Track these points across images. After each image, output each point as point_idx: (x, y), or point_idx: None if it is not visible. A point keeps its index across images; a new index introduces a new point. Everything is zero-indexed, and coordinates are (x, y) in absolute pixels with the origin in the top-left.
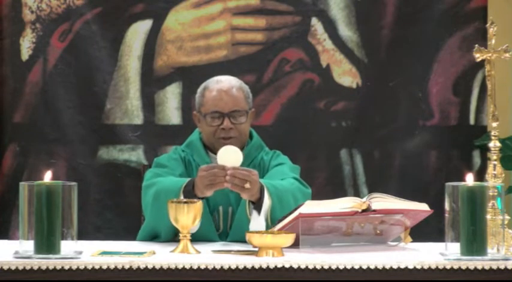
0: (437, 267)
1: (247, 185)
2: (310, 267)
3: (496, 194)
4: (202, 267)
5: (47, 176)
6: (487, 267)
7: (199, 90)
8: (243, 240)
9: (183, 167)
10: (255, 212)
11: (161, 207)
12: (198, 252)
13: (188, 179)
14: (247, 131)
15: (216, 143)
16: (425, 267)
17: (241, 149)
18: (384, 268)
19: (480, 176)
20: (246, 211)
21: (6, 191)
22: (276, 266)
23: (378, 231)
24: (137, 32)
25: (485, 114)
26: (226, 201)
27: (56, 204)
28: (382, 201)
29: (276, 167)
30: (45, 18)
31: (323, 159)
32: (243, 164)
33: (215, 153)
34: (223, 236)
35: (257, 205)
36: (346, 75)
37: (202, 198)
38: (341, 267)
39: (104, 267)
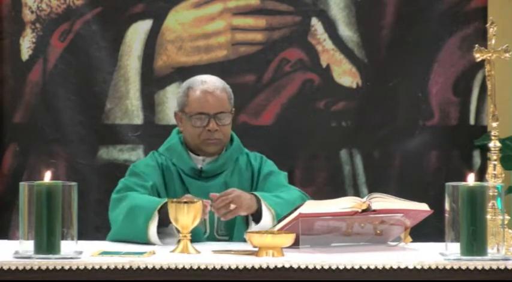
0: (437, 267)
1: (232, 206)
2: (310, 267)
3: (496, 194)
4: (202, 267)
5: (47, 176)
6: (487, 267)
7: (181, 89)
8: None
9: (159, 174)
10: (253, 223)
11: (134, 223)
12: (198, 252)
13: (164, 201)
14: (230, 132)
15: (201, 144)
16: (425, 267)
17: (223, 150)
18: (384, 268)
19: (480, 176)
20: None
21: (6, 191)
22: (276, 266)
23: (378, 231)
24: (137, 32)
25: (485, 114)
26: None
27: (56, 204)
28: (382, 201)
29: (270, 178)
30: (45, 18)
31: (323, 159)
32: (227, 167)
33: (198, 155)
34: (210, 239)
35: (256, 215)
36: (346, 75)
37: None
38: (341, 267)
39: (104, 267)
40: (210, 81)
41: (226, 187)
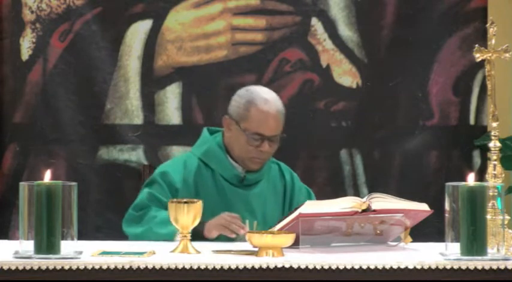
0: (437, 267)
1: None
2: (310, 267)
3: (496, 194)
4: (202, 267)
5: (46, 176)
6: (487, 267)
7: (241, 100)
8: None
9: (191, 186)
10: None
11: (158, 235)
12: (198, 252)
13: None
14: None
15: (248, 160)
16: (425, 267)
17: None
18: (384, 268)
19: (480, 176)
20: None
21: (6, 191)
22: (276, 266)
23: (378, 231)
24: (137, 32)
25: (485, 114)
26: (252, 216)
27: (56, 204)
28: (382, 201)
29: (300, 197)
30: (45, 18)
31: (323, 159)
32: (264, 176)
33: (237, 162)
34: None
35: None
36: (346, 75)
37: (204, 238)
38: (341, 267)
39: (104, 267)
40: (272, 101)
41: (263, 196)
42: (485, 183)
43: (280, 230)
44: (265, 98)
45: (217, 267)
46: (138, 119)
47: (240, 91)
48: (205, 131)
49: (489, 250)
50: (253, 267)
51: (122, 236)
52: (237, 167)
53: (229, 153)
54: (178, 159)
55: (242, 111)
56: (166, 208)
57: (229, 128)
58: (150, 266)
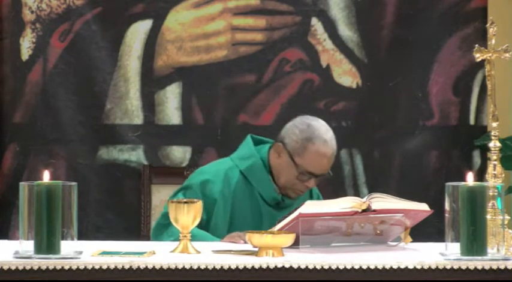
0: (437, 267)
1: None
2: (310, 267)
3: (496, 194)
4: (202, 267)
5: (45, 176)
6: (487, 267)
7: (300, 135)
8: None
9: (228, 203)
10: None
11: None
12: (198, 252)
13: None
14: None
15: (290, 190)
16: (425, 267)
17: None
18: (384, 268)
19: (480, 176)
20: None
21: (6, 191)
22: (276, 266)
23: (378, 231)
24: (137, 32)
25: (485, 114)
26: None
27: (56, 204)
28: (382, 201)
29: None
30: (45, 18)
31: None
32: None
33: (277, 185)
34: None
35: None
36: (346, 75)
37: None
38: (341, 267)
39: (104, 267)
40: (330, 142)
41: None
42: (485, 183)
43: (280, 230)
44: (324, 139)
45: (217, 267)
46: (138, 119)
47: (301, 124)
48: (249, 139)
49: (489, 250)
50: (253, 267)
51: (122, 236)
52: (276, 189)
53: (271, 173)
54: (220, 168)
55: (299, 147)
56: None
57: (279, 155)
58: (150, 266)
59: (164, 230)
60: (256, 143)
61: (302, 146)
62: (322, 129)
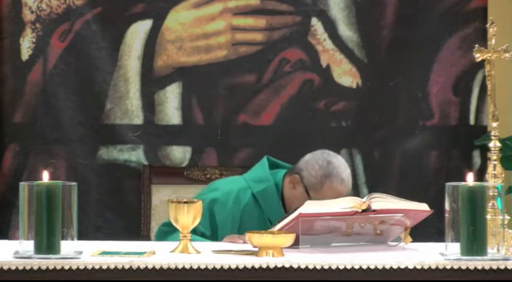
0: (437, 267)
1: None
2: (310, 267)
3: (496, 194)
4: (202, 267)
5: (44, 176)
6: (487, 267)
7: (319, 171)
8: None
9: (236, 224)
10: None
11: None
12: (198, 252)
13: None
14: None
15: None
16: (425, 267)
17: None
18: (384, 268)
19: (480, 176)
20: None
21: (6, 191)
22: (276, 266)
23: (378, 231)
24: (137, 32)
25: (485, 114)
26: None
27: (56, 204)
28: (382, 201)
29: None
30: (45, 18)
31: None
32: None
33: (285, 211)
34: None
35: None
36: (346, 75)
37: None
38: (341, 267)
39: (104, 267)
40: (347, 181)
41: None
42: (485, 183)
43: (280, 230)
44: (342, 177)
45: (217, 267)
46: (138, 119)
47: (321, 160)
48: (265, 161)
49: (489, 250)
50: (253, 267)
51: (122, 236)
52: (283, 212)
53: (283, 199)
54: (233, 188)
55: (316, 183)
56: (197, 233)
57: (294, 186)
58: (150, 266)
59: (166, 234)
60: (272, 165)
61: (320, 183)
62: (342, 168)
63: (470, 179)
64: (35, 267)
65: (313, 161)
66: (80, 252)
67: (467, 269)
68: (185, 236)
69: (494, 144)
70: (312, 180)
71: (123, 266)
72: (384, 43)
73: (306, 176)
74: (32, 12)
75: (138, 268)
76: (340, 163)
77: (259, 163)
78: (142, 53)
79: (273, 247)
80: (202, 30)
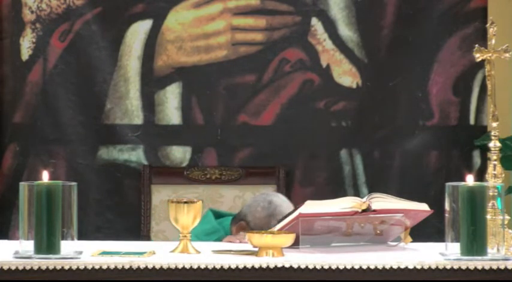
0: (437, 267)
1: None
2: (310, 267)
3: (496, 194)
4: (202, 267)
5: (44, 176)
6: (487, 267)
7: (262, 212)
8: None
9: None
10: None
11: None
12: (198, 252)
13: None
14: None
15: None
16: (425, 267)
17: None
18: (384, 268)
19: (480, 176)
20: None
21: (6, 191)
22: (276, 266)
23: (378, 231)
24: (137, 32)
25: (485, 114)
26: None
27: (56, 204)
28: (382, 201)
29: None
30: (45, 18)
31: (323, 159)
32: None
33: None
34: None
35: None
36: (346, 75)
37: None
38: (341, 267)
39: (104, 267)
40: None
41: None
42: (485, 183)
43: (280, 230)
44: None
45: (217, 267)
46: (138, 119)
47: (262, 201)
48: (210, 214)
49: (489, 250)
50: (253, 267)
51: (122, 236)
52: None
53: None
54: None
55: (263, 224)
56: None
57: (239, 233)
58: (150, 266)
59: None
60: (216, 216)
61: (265, 223)
62: (284, 206)
63: (470, 180)
64: (35, 267)
65: (255, 203)
66: (80, 252)
67: (467, 269)
68: (185, 236)
69: (494, 144)
70: (257, 222)
71: (123, 266)
72: (383, 43)
73: (251, 220)
74: (32, 12)
75: (138, 268)
76: (281, 201)
77: (203, 217)
78: (142, 53)
79: (273, 247)
80: (202, 30)
